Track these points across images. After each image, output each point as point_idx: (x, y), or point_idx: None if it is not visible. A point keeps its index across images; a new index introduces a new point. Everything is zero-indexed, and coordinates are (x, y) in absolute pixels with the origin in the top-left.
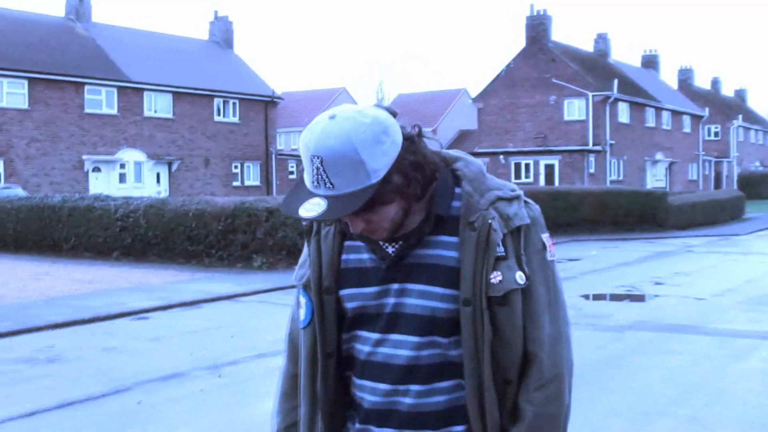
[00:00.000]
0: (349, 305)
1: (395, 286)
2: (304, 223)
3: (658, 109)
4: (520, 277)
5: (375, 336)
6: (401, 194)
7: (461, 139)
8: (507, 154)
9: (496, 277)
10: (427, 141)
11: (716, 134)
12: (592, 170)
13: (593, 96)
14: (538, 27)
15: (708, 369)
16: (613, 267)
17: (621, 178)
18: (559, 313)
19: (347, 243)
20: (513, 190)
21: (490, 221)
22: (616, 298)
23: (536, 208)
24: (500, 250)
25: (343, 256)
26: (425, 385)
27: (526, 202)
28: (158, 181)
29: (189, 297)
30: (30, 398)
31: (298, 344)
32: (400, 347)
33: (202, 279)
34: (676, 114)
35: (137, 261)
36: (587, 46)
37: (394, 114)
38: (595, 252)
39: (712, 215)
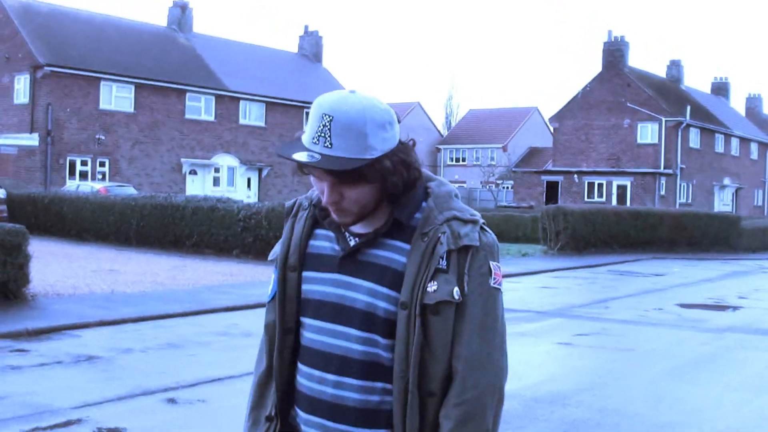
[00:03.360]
0: (304, 287)
1: (344, 278)
2: (287, 204)
3: (728, 136)
4: (455, 292)
5: (317, 323)
6: (384, 180)
7: (531, 156)
8: (581, 173)
9: (432, 286)
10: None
11: None
12: (662, 193)
13: (666, 121)
14: (615, 52)
15: None
16: (698, 282)
17: (690, 201)
18: (493, 340)
19: (317, 231)
20: (472, 215)
21: (439, 235)
22: (708, 307)
23: (492, 236)
24: (443, 263)
25: (311, 241)
26: (359, 380)
27: (483, 228)
28: (249, 186)
29: None
30: (250, 360)
31: None
32: (339, 338)
33: None
34: (744, 141)
35: (257, 259)
36: (658, 69)
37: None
38: (677, 269)
39: None
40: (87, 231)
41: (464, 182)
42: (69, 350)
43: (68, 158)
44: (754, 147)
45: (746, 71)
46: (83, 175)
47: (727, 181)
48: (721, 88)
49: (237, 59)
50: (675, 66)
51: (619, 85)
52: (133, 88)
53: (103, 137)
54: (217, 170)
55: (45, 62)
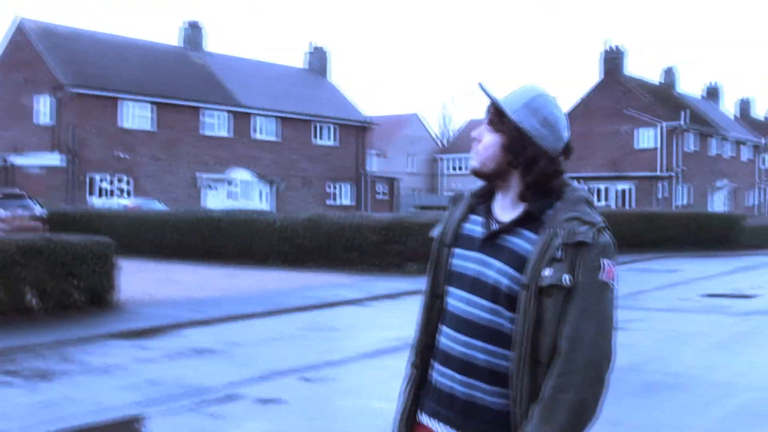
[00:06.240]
0: (452, 261)
1: (483, 257)
2: (450, 195)
3: (722, 139)
4: (567, 278)
5: (458, 292)
6: (503, 138)
7: None
8: (582, 179)
9: (547, 272)
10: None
11: None
12: (662, 195)
13: (665, 126)
14: (613, 61)
15: None
16: (712, 276)
17: (688, 203)
18: (595, 325)
19: (471, 216)
20: (593, 218)
21: (559, 230)
22: (728, 296)
23: (608, 238)
24: (559, 254)
25: (464, 224)
26: (483, 342)
27: (600, 230)
28: (263, 199)
29: (384, 291)
30: (350, 348)
31: None
32: (473, 306)
33: (379, 279)
34: (737, 143)
35: (296, 267)
36: (651, 75)
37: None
38: (688, 265)
39: None
40: (122, 246)
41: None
42: (183, 345)
43: (90, 176)
44: (746, 149)
45: (735, 74)
46: (105, 192)
47: (722, 182)
48: (713, 93)
49: (249, 76)
50: (669, 72)
51: (618, 93)
52: (151, 106)
53: (124, 155)
54: (233, 184)
55: (68, 83)
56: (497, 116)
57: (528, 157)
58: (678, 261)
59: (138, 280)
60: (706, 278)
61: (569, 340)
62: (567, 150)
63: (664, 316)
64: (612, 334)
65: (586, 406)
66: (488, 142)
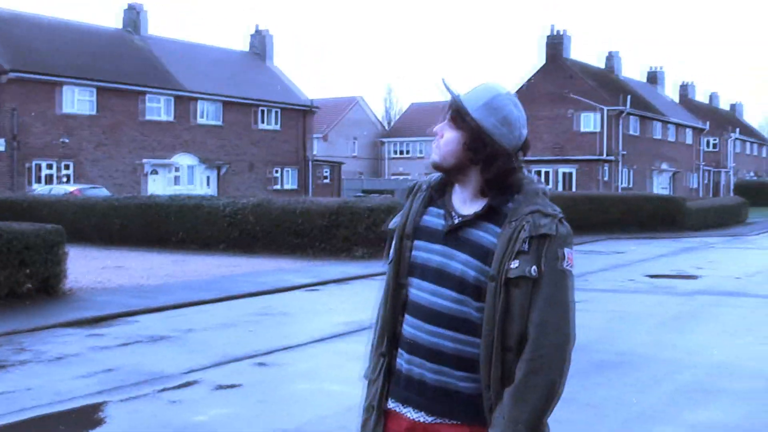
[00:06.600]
0: (414, 253)
1: (447, 249)
2: (407, 185)
3: (664, 123)
4: (533, 270)
5: (422, 283)
6: (464, 136)
7: None
8: (527, 162)
9: (514, 264)
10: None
11: (714, 146)
12: (605, 178)
13: (607, 110)
14: (557, 45)
15: (762, 315)
16: (656, 257)
17: (630, 185)
18: (561, 311)
19: (430, 208)
20: (553, 210)
21: (523, 223)
22: (672, 277)
23: (567, 228)
24: (525, 246)
25: (424, 216)
26: (450, 331)
27: (561, 222)
28: (208, 184)
29: (336, 276)
30: (303, 333)
31: None
32: (438, 296)
33: (328, 264)
34: (679, 127)
35: (245, 252)
36: (593, 60)
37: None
38: (633, 247)
39: (720, 219)
40: (69, 233)
41: (408, 174)
42: (138, 332)
43: (33, 162)
44: (688, 132)
45: (675, 59)
46: (48, 179)
47: (664, 165)
48: (654, 78)
49: (191, 59)
50: (612, 57)
51: (561, 77)
52: (94, 91)
53: (66, 140)
54: (176, 169)
55: (9, 67)
56: (458, 113)
57: (487, 154)
58: (623, 242)
59: (87, 267)
60: (650, 259)
61: (537, 326)
62: (525, 146)
63: (611, 296)
64: (573, 317)
65: (556, 386)
66: (449, 138)
